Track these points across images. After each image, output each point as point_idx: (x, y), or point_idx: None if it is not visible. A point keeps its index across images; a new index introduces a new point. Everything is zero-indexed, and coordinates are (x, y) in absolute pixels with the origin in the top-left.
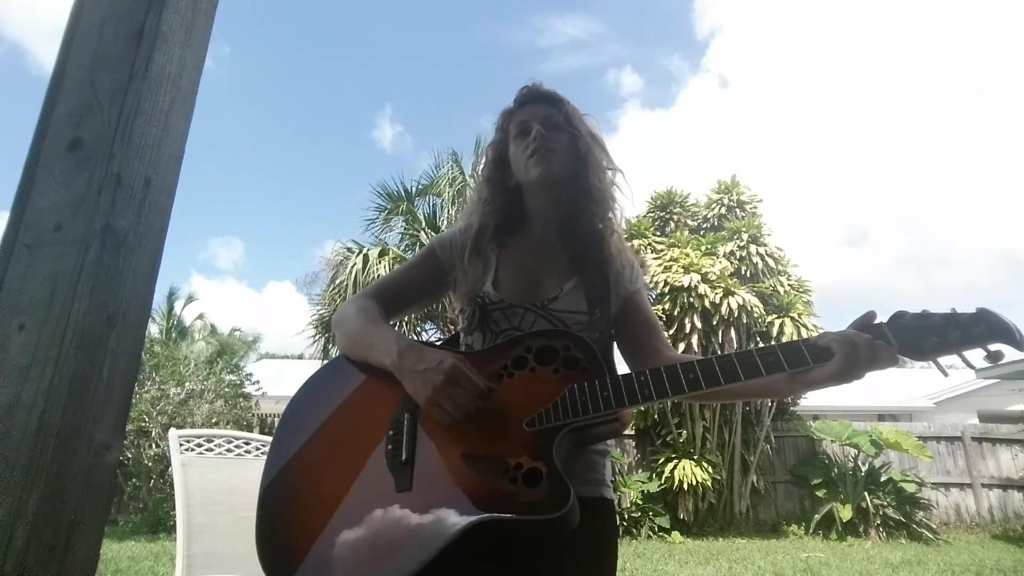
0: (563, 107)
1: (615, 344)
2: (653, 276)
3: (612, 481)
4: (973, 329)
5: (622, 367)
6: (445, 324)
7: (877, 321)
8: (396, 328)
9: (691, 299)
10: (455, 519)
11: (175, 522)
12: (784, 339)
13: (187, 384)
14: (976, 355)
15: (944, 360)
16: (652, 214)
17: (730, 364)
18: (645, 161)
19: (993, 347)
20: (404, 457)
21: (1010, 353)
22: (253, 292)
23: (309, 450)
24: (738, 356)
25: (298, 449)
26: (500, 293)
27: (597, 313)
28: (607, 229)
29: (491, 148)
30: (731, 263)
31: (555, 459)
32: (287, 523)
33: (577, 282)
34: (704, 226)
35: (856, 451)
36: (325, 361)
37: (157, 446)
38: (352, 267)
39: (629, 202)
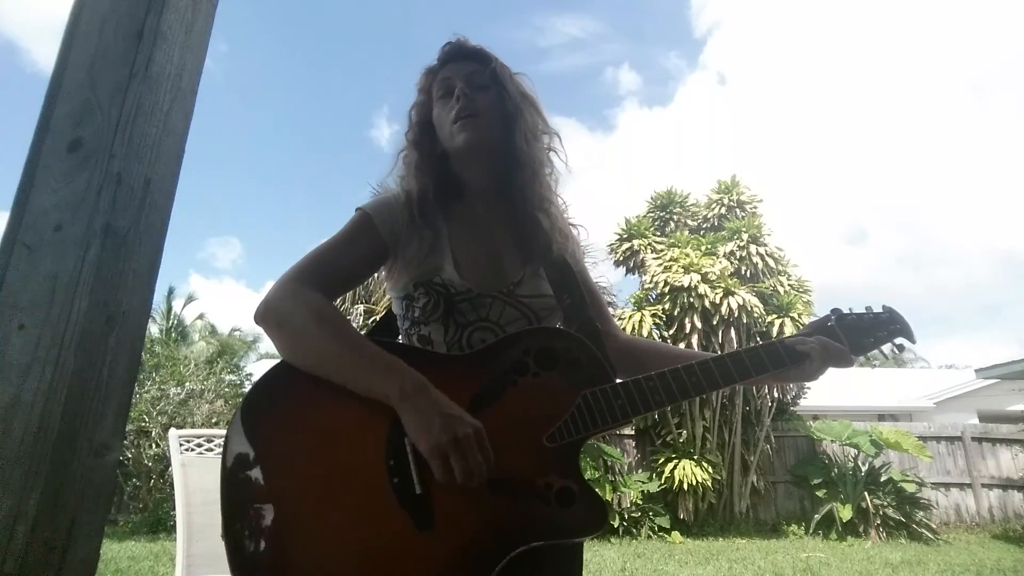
0: (490, 64)
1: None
2: (653, 276)
3: (612, 481)
4: (891, 327)
5: None
6: None
7: (830, 324)
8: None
9: (691, 299)
10: (495, 554)
11: (175, 522)
12: None
13: (187, 384)
14: (888, 348)
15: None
16: (652, 214)
17: (724, 367)
18: (643, 158)
19: (898, 341)
20: (418, 490)
21: (909, 344)
22: (252, 292)
23: (286, 486)
24: (731, 358)
25: (270, 483)
26: (466, 281)
27: (567, 299)
28: (541, 199)
29: (414, 110)
30: (731, 263)
31: (582, 473)
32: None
33: (535, 266)
34: (704, 226)
35: (856, 451)
36: None
37: (157, 446)
38: None
39: (565, 168)
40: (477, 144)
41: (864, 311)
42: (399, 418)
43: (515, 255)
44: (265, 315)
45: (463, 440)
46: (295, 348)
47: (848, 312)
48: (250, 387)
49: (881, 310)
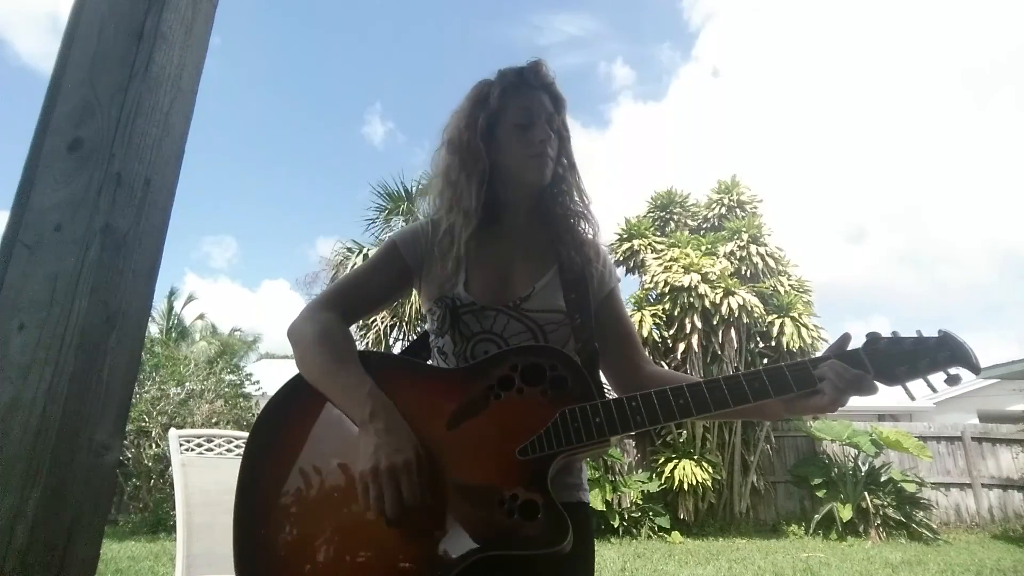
0: (562, 112)
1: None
2: (653, 276)
3: (612, 481)
4: (938, 355)
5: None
6: None
7: (852, 347)
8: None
9: (691, 299)
10: (453, 555)
11: (175, 522)
12: (784, 339)
13: (187, 384)
14: (938, 378)
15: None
16: (652, 214)
17: (719, 391)
18: (638, 154)
19: (953, 371)
20: None
21: (968, 375)
22: (247, 291)
23: (288, 476)
24: (726, 382)
25: (275, 474)
26: (472, 295)
27: (578, 319)
28: (575, 219)
29: (483, 118)
30: (731, 263)
31: (550, 489)
32: (273, 556)
33: (552, 276)
34: (704, 226)
35: (856, 451)
36: None
37: (157, 446)
38: (352, 267)
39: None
40: (543, 186)
41: (908, 336)
42: None
43: (530, 270)
44: (288, 334)
45: (378, 472)
46: (301, 364)
47: (883, 337)
48: (271, 396)
49: (936, 334)
